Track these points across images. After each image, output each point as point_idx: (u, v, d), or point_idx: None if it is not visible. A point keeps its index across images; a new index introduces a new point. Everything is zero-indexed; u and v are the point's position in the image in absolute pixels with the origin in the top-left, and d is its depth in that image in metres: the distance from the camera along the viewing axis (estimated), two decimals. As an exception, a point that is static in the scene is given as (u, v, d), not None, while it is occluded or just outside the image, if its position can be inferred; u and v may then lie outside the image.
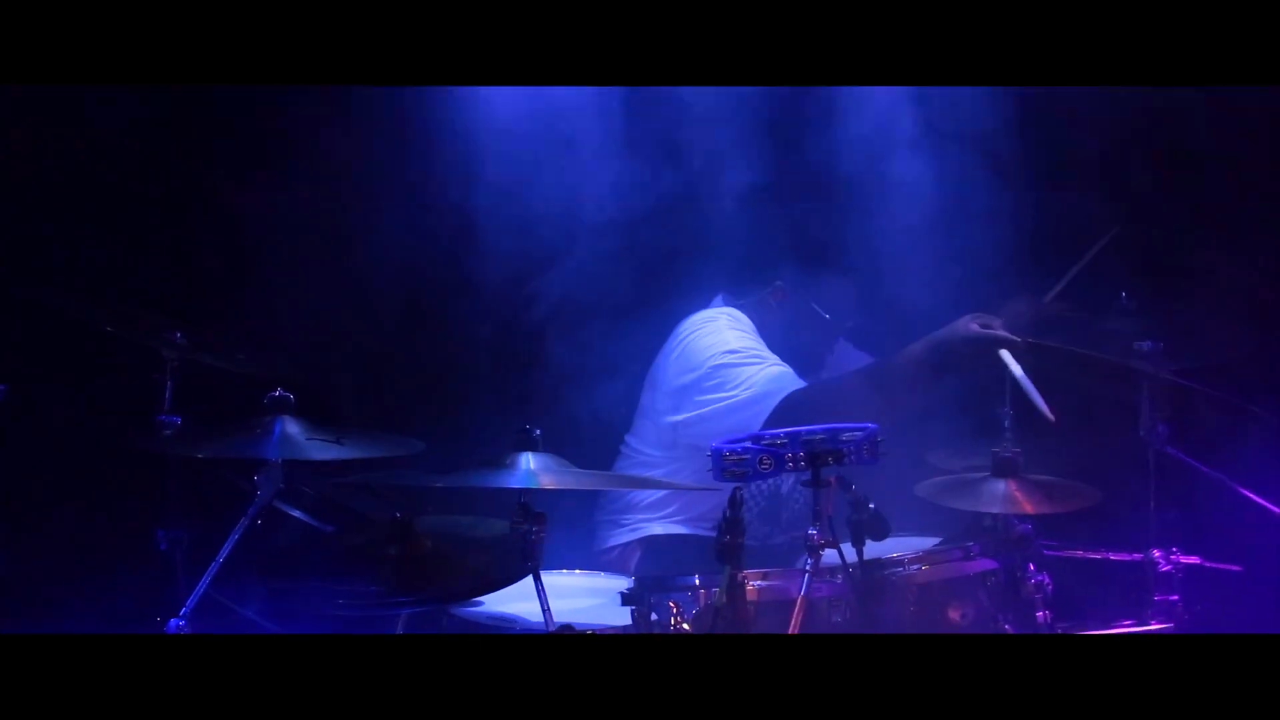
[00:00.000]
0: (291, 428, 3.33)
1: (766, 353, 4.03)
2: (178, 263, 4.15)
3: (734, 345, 4.01)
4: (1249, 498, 3.67)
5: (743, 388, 3.93)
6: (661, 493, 4.12)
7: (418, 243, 4.25)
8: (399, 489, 3.58)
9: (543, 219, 4.08)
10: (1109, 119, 4.14)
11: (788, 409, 3.79)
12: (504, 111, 4.01)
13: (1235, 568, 3.69)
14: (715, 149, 4.15)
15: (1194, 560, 3.61)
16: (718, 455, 2.93)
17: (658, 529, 4.11)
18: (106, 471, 3.89)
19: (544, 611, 2.96)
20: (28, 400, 3.52)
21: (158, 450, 3.64)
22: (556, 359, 4.27)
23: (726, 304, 4.22)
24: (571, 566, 3.77)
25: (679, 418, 4.01)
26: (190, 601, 3.22)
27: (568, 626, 2.93)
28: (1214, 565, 3.65)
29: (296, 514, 3.60)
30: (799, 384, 3.94)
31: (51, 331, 3.90)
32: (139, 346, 3.70)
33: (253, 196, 4.03)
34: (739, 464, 2.93)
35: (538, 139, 4.04)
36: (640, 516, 4.14)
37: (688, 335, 4.12)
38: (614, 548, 4.13)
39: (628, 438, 4.22)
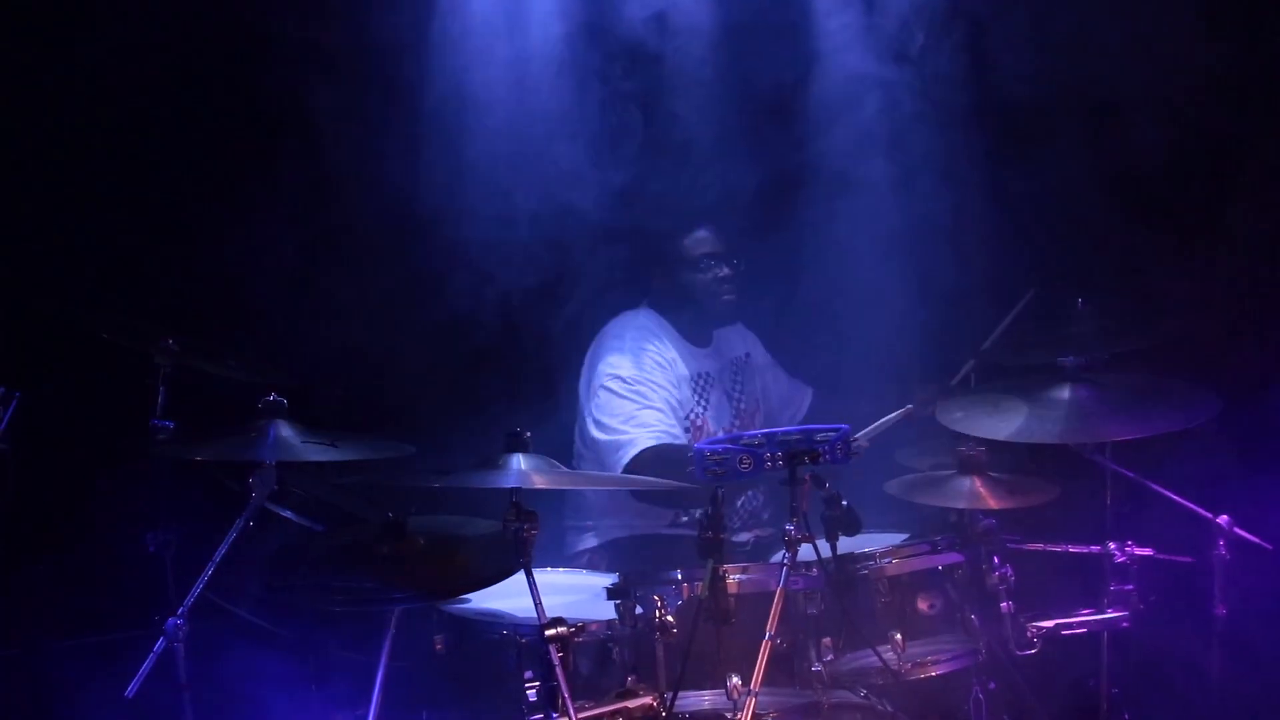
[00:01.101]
0: (285, 431, 3.43)
1: (654, 391, 4.13)
2: (170, 270, 4.19)
3: (625, 374, 4.13)
4: (1171, 498, 3.81)
5: (617, 420, 4.05)
6: (607, 496, 4.22)
7: (412, 248, 4.32)
8: (378, 489, 3.66)
9: (529, 228, 4.18)
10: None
11: (641, 464, 3.92)
12: (492, 107, 4.11)
13: (1186, 559, 3.81)
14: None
15: (1148, 552, 3.73)
16: (700, 455, 3.04)
17: (616, 532, 4.20)
18: (100, 474, 3.94)
19: (536, 606, 3.02)
20: (26, 406, 3.57)
21: (155, 455, 3.69)
22: (543, 365, 4.40)
23: (650, 306, 4.34)
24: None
25: (587, 420, 4.14)
26: (188, 601, 3.31)
27: (558, 620, 3.01)
28: (1166, 557, 3.78)
29: (287, 514, 3.67)
30: (659, 441, 4.01)
31: (46, 338, 3.95)
32: (132, 353, 3.75)
33: (245, 204, 4.08)
34: (719, 464, 3.04)
35: (527, 144, 4.14)
36: (598, 521, 4.24)
37: (599, 341, 4.27)
38: (583, 552, 4.22)
39: (576, 439, 4.30)
